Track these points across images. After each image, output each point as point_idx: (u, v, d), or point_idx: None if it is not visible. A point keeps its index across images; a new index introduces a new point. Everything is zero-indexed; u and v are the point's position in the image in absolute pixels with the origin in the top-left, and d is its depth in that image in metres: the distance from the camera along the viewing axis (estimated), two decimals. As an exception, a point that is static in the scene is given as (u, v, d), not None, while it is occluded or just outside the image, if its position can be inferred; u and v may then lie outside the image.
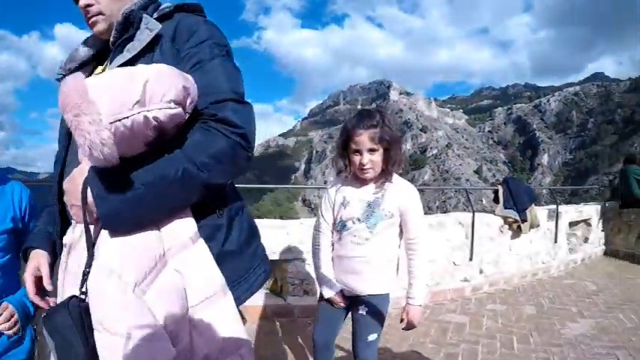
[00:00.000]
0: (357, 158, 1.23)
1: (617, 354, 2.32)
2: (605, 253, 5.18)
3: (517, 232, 3.90)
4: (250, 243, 0.76)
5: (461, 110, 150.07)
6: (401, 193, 1.27)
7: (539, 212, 4.16)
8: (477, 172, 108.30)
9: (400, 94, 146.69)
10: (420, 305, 1.30)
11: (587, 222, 5.04)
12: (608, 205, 5.30)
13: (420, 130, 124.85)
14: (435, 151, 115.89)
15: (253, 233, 0.81)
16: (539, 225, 4.03)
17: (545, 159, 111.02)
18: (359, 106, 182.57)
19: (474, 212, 3.50)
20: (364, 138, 1.18)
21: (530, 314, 3.13)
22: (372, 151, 1.20)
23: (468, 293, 3.55)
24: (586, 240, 5.01)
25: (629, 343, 2.49)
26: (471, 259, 3.46)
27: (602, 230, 5.19)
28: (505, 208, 3.74)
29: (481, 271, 3.65)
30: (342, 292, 1.34)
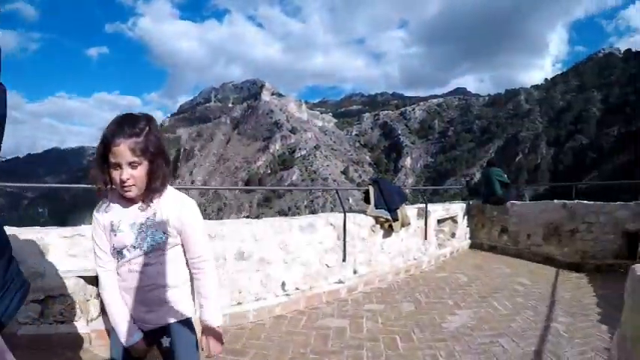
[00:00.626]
0: (116, 173, 1.35)
1: (501, 341, 3.12)
2: (471, 247, 7.48)
3: (389, 231, 5.17)
4: None
5: (330, 114, 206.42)
6: (176, 209, 1.45)
7: (410, 211, 5.59)
8: (344, 172, 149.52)
9: (272, 94, 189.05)
10: (218, 326, 1.52)
11: (453, 219, 7.12)
12: (472, 203, 7.67)
13: (290, 131, 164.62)
14: (303, 152, 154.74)
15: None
16: (409, 223, 5.46)
17: (408, 162, 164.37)
18: (230, 104, 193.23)
19: (345, 213, 4.55)
20: (123, 149, 1.32)
21: (409, 311, 3.99)
22: (133, 164, 1.35)
23: (343, 295, 4.46)
24: (453, 235, 7.08)
25: (509, 330, 3.38)
26: (344, 260, 4.49)
27: (468, 226, 7.51)
28: (376, 208, 5.06)
29: (355, 272, 4.71)
30: (142, 333, 1.50)
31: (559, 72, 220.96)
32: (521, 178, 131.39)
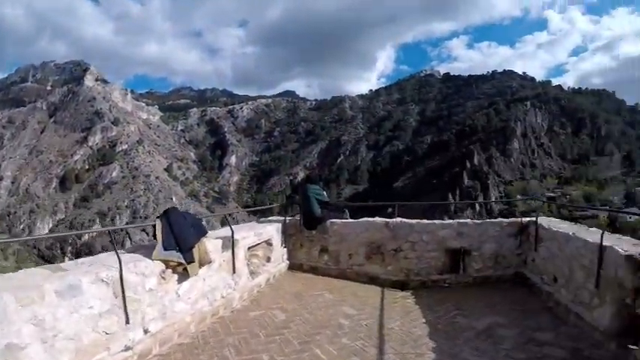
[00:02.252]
0: None
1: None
2: (290, 268, 7.15)
3: (185, 274, 4.37)
4: None
5: (157, 106, 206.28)
6: None
7: (211, 244, 4.86)
8: (167, 170, 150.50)
9: (96, 80, 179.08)
10: None
11: (268, 242, 6.64)
12: (289, 221, 7.32)
13: (112, 122, 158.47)
14: (125, 147, 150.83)
15: None
16: (211, 261, 4.74)
17: (233, 160, 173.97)
18: (49, 87, 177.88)
19: (120, 264, 3.64)
20: None
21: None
22: None
23: (135, 364, 3.60)
24: (269, 259, 6.60)
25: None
26: (127, 323, 3.71)
27: (285, 246, 7.16)
28: (165, 249, 4.21)
29: (146, 331, 3.97)
30: None
31: (383, 85, 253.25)
32: (342, 177, 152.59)
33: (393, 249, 6.47)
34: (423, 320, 4.86)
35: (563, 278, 5.19)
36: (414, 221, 6.57)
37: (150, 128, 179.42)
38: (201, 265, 4.57)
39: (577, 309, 4.72)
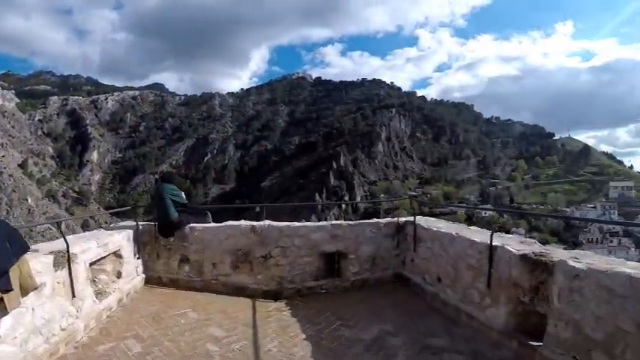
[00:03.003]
0: None
1: None
2: (147, 282, 6.15)
3: (2, 307, 3.31)
4: None
5: (13, 91, 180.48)
6: None
7: (39, 263, 3.81)
8: (22, 166, 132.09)
9: None
10: None
11: (117, 254, 5.62)
12: (142, 227, 6.27)
13: None
14: None
15: None
16: (36, 287, 3.66)
17: (95, 156, 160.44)
18: None
19: None
20: None
21: None
22: None
23: None
24: (119, 275, 5.58)
25: None
26: None
27: (139, 257, 6.14)
28: None
29: None
30: None
31: (255, 85, 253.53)
32: (209, 176, 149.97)
33: (262, 256, 5.93)
34: (304, 336, 4.45)
35: (448, 278, 5.17)
36: (283, 224, 6.12)
37: (4, 117, 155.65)
38: (24, 292, 3.51)
39: (467, 309, 4.75)
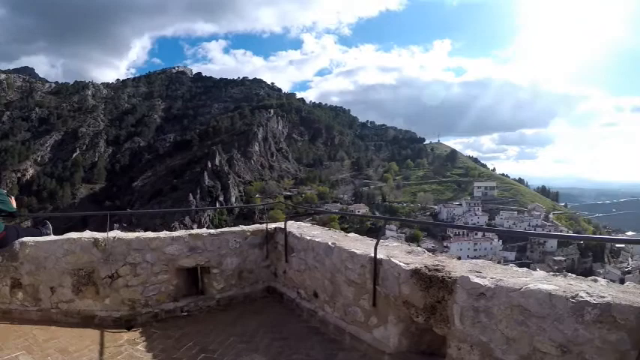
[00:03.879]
0: None
1: None
2: None
3: None
4: None
5: None
6: None
7: None
8: None
9: None
10: None
11: None
12: None
13: None
14: None
15: None
16: None
17: None
18: None
19: None
20: None
21: None
22: None
23: None
24: None
25: None
26: None
27: None
28: None
29: None
30: None
31: (132, 76, 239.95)
32: (78, 175, 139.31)
33: (108, 275, 4.87)
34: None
35: (326, 294, 4.59)
36: (132, 236, 5.10)
37: None
38: None
39: (351, 329, 4.19)
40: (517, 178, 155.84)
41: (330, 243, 4.61)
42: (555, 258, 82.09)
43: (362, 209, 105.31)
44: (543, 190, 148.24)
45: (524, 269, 3.34)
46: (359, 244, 4.48)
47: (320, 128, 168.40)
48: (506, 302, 2.82)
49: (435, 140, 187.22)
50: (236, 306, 5.45)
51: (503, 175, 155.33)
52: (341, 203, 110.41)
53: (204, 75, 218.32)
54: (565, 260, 79.17)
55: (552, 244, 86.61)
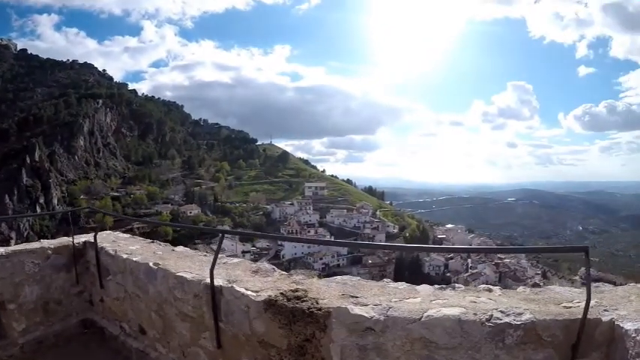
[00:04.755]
0: None
1: None
2: None
3: None
4: None
5: None
6: None
7: None
8: None
9: None
10: None
11: None
12: None
13: None
14: None
15: None
16: None
17: None
18: None
19: None
20: None
21: None
22: None
23: None
24: None
25: None
26: None
27: None
28: None
29: None
30: None
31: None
32: None
33: None
34: None
35: (155, 330, 3.60)
36: None
37: None
38: None
39: None
40: (346, 179, 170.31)
41: (151, 264, 3.60)
42: (385, 251, 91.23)
43: (194, 210, 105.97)
44: (370, 190, 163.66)
45: (406, 286, 2.79)
46: (190, 264, 3.53)
47: (151, 123, 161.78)
48: (403, 336, 2.25)
49: (267, 141, 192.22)
50: (47, 351, 4.16)
51: (332, 176, 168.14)
52: (172, 204, 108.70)
53: (30, 53, 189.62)
54: (394, 252, 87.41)
55: (381, 237, 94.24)
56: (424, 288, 2.73)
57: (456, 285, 2.76)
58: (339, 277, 3.08)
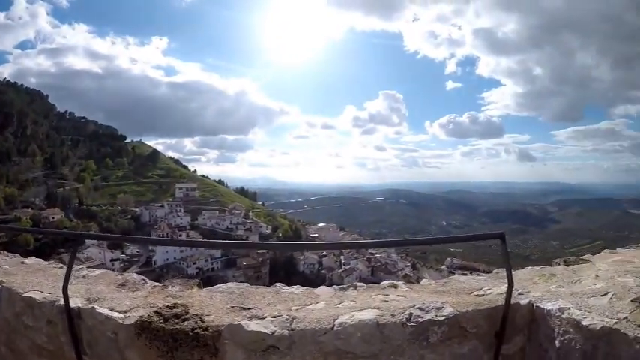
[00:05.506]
0: None
1: None
2: None
3: None
4: None
5: None
6: None
7: None
8: None
9: None
10: None
11: None
12: None
13: None
14: None
15: None
16: None
17: None
18: None
19: None
20: None
21: None
22: None
23: None
24: None
25: None
26: None
27: None
28: None
29: None
30: None
31: None
32: None
33: None
34: None
35: None
36: None
37: None
38: None
39: None
40: (217, 179, 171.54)
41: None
42: (259, 250, 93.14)
43: (57, 215, 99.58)
44: (242, 191, 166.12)
45: (303, 289, 2.66)
46: (43, 279, 2.94)
47: (11, 114, 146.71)
48: (315, 351, 2.07)
49: (137, 139, 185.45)
50: None
51: (203, 176, 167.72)
52: (32, 208, 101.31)
53: None
54: (267, 252, 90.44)
55: (254, 238, 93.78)
56: (323, 290, 2.54)
57: (358, 284, 2.64)
58: (223, 286, 2.70)
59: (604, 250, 4.27)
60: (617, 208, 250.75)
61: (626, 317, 1.96)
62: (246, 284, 2.82)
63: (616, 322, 1.90)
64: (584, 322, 1.97)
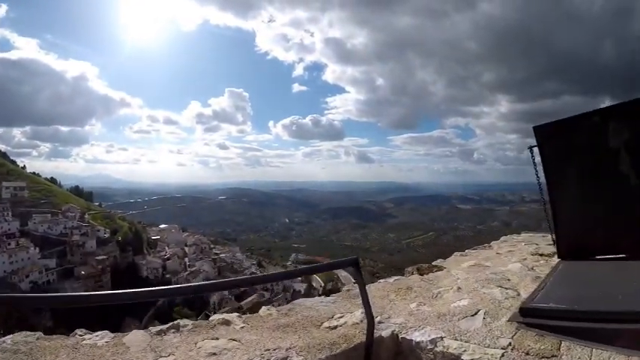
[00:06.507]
0: None
1: None
2: None
3: None
4: None
5: None
6: None
7: None
8: None
9: None
10: None
11: None
12: None
13: None
14: None
15: None
16: None
17: None
18: None
19: None
20: None
21: None
22: None
23: None
24: None
25: None
26: None
27: None
28: None
29: None
30: None
31: None
32: None
33: None
34: None
35: None
36: None
37: None
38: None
39: None
40: (50, 177, 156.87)
41: None
42: (97, 258, 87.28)
43: None
44: (77, 190, 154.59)
45: (108, 339, 2.17)
46: None
47: None
48: None
49: None
50: None
51: (34, 173, 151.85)
52: None
53: None
54: (107, 258, 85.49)
55: (92, 244, 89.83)
56: (135, 337, 1.99)
57: (181, 322, 2.13)
58: (8, 340, 2.16)
59: (454, 254, 4.41)
60: (447, 203, 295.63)
61: (510, 344, 1.63)
62: (38, 334, 2.16)
63: (503, 354, 1.56)
64: (465, 358, 1.53)
